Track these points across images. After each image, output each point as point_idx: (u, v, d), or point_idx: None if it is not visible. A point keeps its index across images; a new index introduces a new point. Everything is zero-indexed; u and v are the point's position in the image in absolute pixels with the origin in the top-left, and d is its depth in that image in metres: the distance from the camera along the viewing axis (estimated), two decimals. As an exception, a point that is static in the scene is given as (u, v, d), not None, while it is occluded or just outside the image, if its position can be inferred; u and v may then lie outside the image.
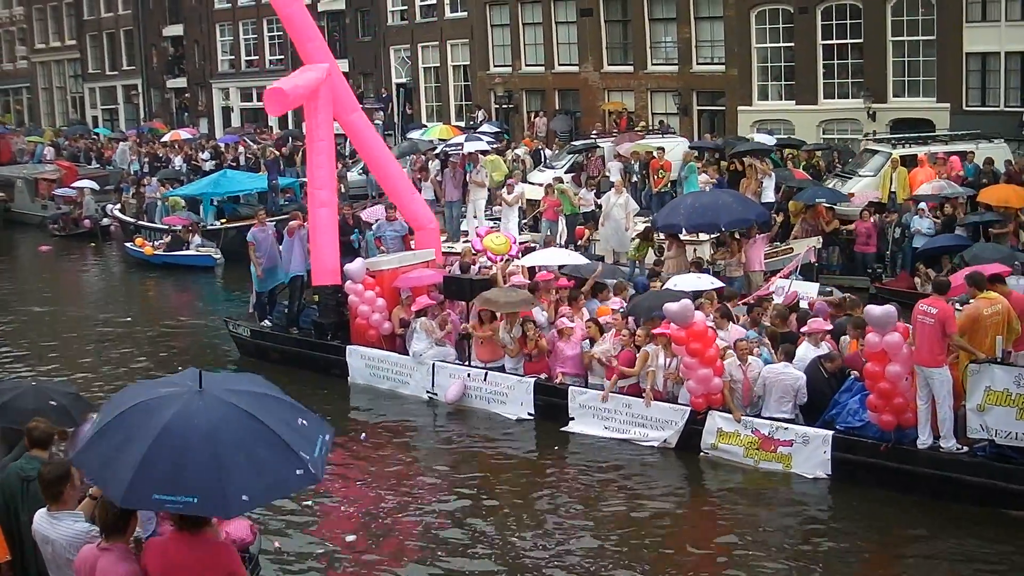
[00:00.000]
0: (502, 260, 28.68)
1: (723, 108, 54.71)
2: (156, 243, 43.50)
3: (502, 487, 20.71)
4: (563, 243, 36.22)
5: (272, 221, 40.88)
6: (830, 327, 21.62)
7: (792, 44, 51.90)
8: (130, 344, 31.69)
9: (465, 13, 63.15)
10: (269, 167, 49.18)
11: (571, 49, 59.77)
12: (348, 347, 26.73)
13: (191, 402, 9.78)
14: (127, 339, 32.35)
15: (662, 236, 31.71)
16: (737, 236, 30.01)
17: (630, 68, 57.61)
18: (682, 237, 30.45)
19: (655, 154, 41.35)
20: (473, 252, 29.56)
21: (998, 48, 46.81)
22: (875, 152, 39.99)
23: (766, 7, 52.50)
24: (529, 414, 23.71)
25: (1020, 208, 33.14)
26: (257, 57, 78.32)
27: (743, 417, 20.62)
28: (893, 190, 36.74)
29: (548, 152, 50.76)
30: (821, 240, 33.16)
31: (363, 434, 23.43)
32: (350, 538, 18.38)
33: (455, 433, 23.85)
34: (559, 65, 60.40)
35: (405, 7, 66.70)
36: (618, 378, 22.20)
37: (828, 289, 27.61)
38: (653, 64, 56.99)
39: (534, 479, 21.03)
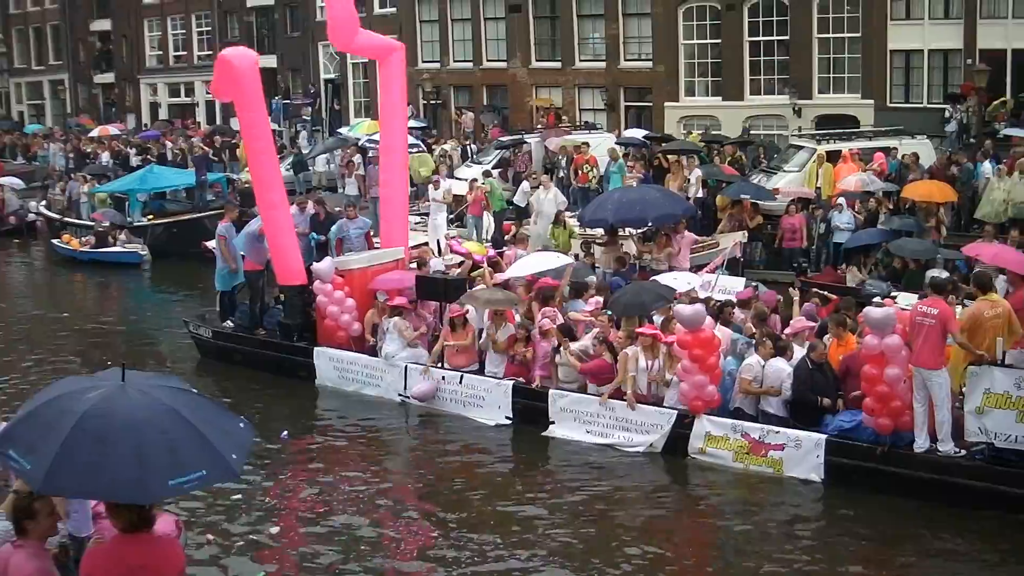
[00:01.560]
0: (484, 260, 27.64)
1: (650, 104, 54.71)
2: (83, 240, 42.82)
3: (478, 494, 19.56)
4: (489, 238, 35.95)
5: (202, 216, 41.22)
6: (813, 325, 21.19)
7: (719, 41, 52.03)
8: (65, 342, 30.74)
9: (394, 9, 62.66)
10: (197, 163, 48.48)
11: (499, 45, 59.52)
12: (316, 349, 25.51)
13: (112, 394, 9.65)
14: (60, 337, 31.36)
15: (589, 230, 31.54)
16: (663, 231, 29.86)
17: (558, 64, 57.48)
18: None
19: (581, 149, 41.15)
20: (451, 252, 28.92)
21: (921, 46, 47.16)
22: (800, 148, 39.89)
23: (693, 4, 52.50)
24: (507, 418, 22.45)
25: (943, 203, 33.24)
26: (186, 53, 77.56)
27: (733, 421, 19.81)
28: (819, 186, 36.72)
29: (474, 147, 50.57)
30: (746, 235, 33.06)
31: (284, 432, 22.22)
32: (274, 530, 17.77)
33: (429, 438, 22.72)
34: (487, 61, 60.13)
35: (333, 2, 66.02)
36: (621, 381, 20.88)
37: (753, 283, 27.40)
38: (581, 60, 56.94)
39: (513, 486, 20.01)
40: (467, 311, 23.65)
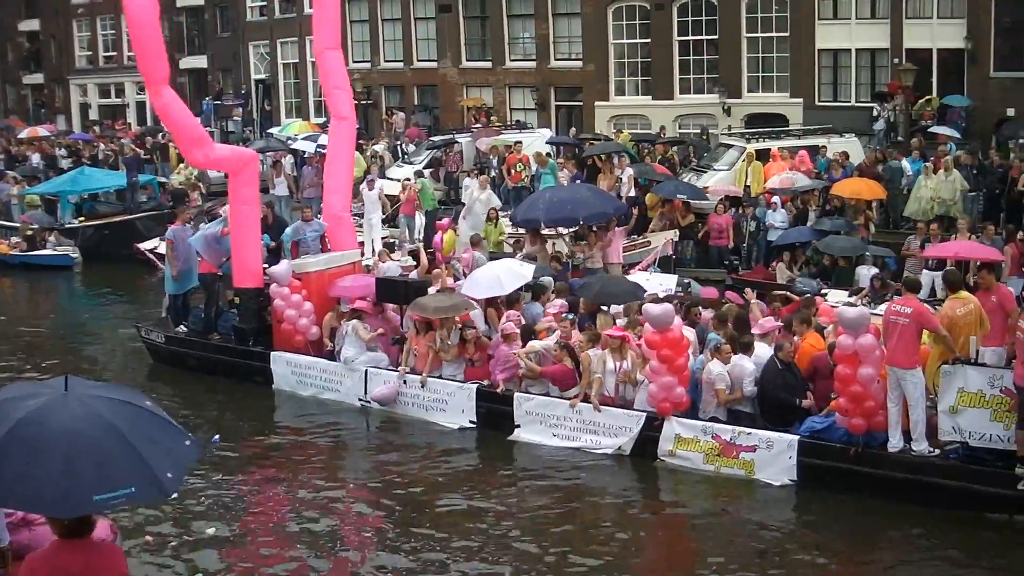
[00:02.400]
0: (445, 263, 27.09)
1: (580, 103, 54.71)
2: (12, 242, 42.25)
3: (442, 501, 18.89)
4: (421, 238, 35.83)
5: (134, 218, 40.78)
6: (780, 324, 20.84)
7: (648, 40, 52.15)
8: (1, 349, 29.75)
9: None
10: (128, 164, 47.92)
11: (430, 45, 59.36)
12: (273, 353, 24.70)
13: (52, 403, 9.37)
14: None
15: (520, 230, 31.40)
16: (595, 230, 29.80)
17: (488, 64, 57.47)
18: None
19: (513, 149, 41.06)
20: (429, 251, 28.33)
21: (849, 45, 47.47)
22: (730, 146, 39.93)
23: (623, 4, 52.55)
24: (471, 422, 21.81)
25: (871, 201, 33.42)
26: (116, 53, 76.67)
27: (703, 423, 19.36)
28: (748, 184, 36.79)
29: (411, 147, 50.36)
30: (678, 233, 33.08)
31: (216, 436, 21.52)
32: (210, 530, 17.31)
33: (390, 443, 21.86)
34: (418, 61, 59.94)
35: (264, 3, 65.50)
36: (589, 384, 20.35)
37: (686, 281, 27.38)
38: (511, 60, 56.89)
39: (478, 492, 19.20)
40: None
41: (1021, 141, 38.59)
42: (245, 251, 25.11)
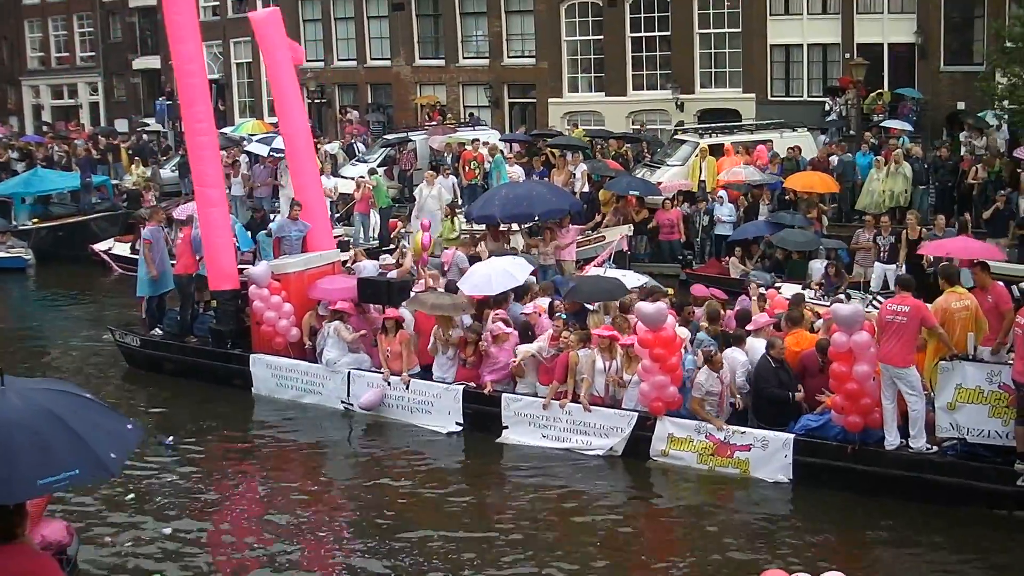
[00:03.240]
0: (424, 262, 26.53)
1: (534, 101, 54.55)
2: (-35, 245, 41.80)
3: (429, 506, 18.45)
4: (376, 236, 35.70)
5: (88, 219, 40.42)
6: (775, 320, 20.50)
7: (601, 37, 52.01)
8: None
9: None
10: (82, 165, 47.53)
11: (383, 43, 58.93)
12: (252, 356, 24.12)
13: None
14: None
15: (476, 226, 31.30)
16: (550, 226, 29.77)
17: (442, 62, 57.14)
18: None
19: (468, 146, 40.93)
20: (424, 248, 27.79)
21: (801, 40, 47.54)
22: (683, 142, 39.89)
23: (575, 1, 52.33)
24: (458, 424, 21.33)
25: (824, 194, 33.48)
26: (68, 54, 76.11)
27: (696, 422, 19.00)
28: (703, 179, 36.81)
29: (362, 146, 50.12)
30: (632, 228, 33.06)
31: (169, 437, 21.00)
32: (166, 530, 16.99)
33: (375, 447, 21.33)
34: (371, 59, 59.47)
35: (216, 2, 64.80)
36: (557, 384, 20.16)
37: (643, 276, 27.35)
38: (464, 58, 56.56)
39: (466, 495, 18.85)
40: (400, 315, 22.39)
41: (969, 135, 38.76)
42: (218, 251, 24.57)
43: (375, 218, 36.69)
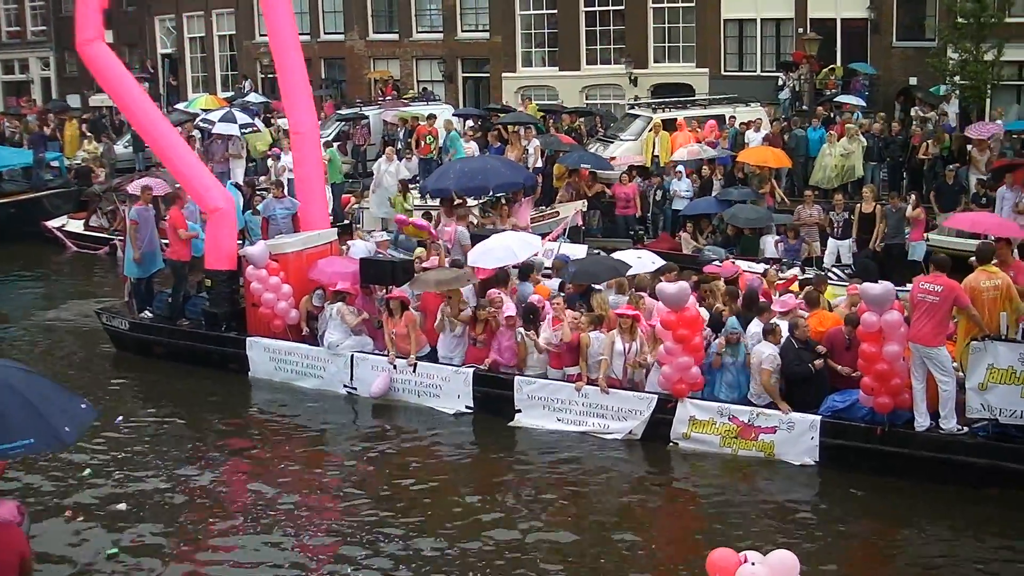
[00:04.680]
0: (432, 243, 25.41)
1: (487, 75, 54.26)
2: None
3: (440, 492, 17.73)
4: (330, 211, 35.59)
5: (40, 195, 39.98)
6: (802, 302, 19.94)
7: (555, 11, 51.77)
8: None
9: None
10: (34, 142, 47.06)
11: (336, 17, 58.26)
12: (249, 339, 23.23)
13: None
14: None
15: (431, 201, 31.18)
16: (504, 200, 29.76)
17: (395, 36, 56.70)
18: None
19: (421, 121, 40.77)
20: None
21: (754, 15, 47.50)
22: (636, 116, 39.74)
23: (529, -26, 52.35)
24: (468, 407, 20.63)
25: (777, 169, 33.54)
26: (19, 28, 75.27)
27: (719, 404, 18.67)
28: (656, 154, 36.80)
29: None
30: (586, 203, 33.03)
31: (119, 417, 20.31)
32: (120, 506, 16.71)
33: (380, 432, 20.42)
34: (324, 34, 58.83)
35: (169, -24, 64.77)
36: (588, 367, 19.49)
37: (595, 251, 27.28)
38: (418, 32, 56.17)
39: (479, 481, 18.17)
40: (405, 294, 21.57)
41: (920, 110, 38.88)
42: (219, 232, 23.78)
43: (328, 193, 36.51)
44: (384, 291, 22.35)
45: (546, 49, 52.63)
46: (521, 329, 20.26)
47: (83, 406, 10.54)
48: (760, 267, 25.53)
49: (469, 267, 22.17)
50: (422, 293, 21.89)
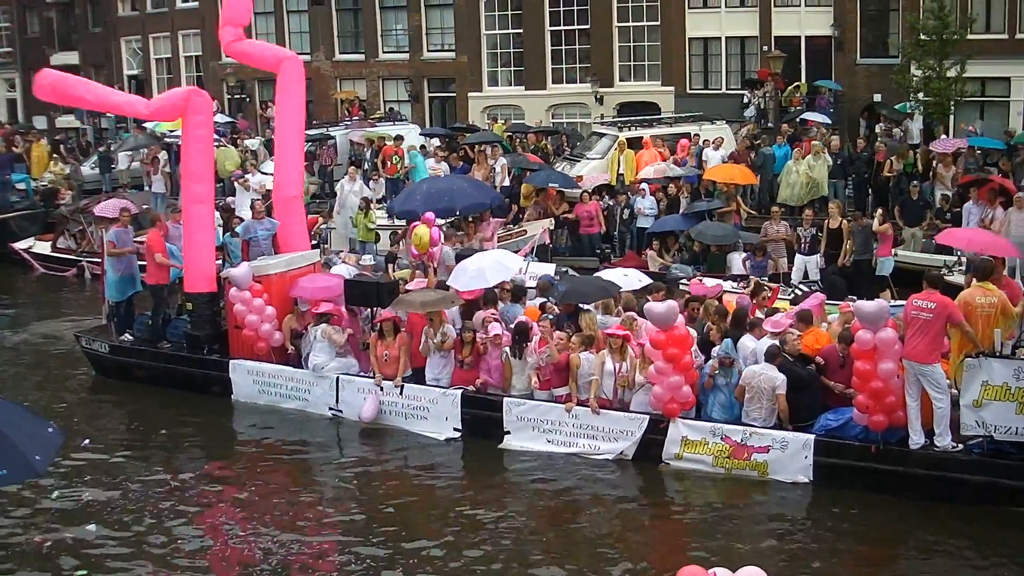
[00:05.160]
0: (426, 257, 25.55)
1: (454, 95, 54.23)
2: None
3: (429, 518, 17.49)
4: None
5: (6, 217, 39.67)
6: (792, 321, 19.49)
7: (520, 31, 51.83)
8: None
9: (196, 3, 60.50)
10: (1, 163, 46.87)
11: (303, 38, 57.85)
12: (231, 361, 22.87)
13: None
14: None
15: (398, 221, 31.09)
16: (471, 220, 29.70)
17: (361, 56, 56.60)
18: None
19: (388, 142, 40.69)
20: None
21: (719, 33, 47.73)
22: (602, 135, 39.77)
23: (494, -6, 52.40)
24: (456, 430, 20.28)
25: (743, 186, 33.58)
26: (-15, 48, 75.19)
27: (712, 423, 18.45)
28: (621, 172, 36.81)
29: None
30: (553, 222, 33.00)
31: (86, 439, 20.11)
32: (90, 527, 16.33)
33: (367, 456, 20.15)
34: (291, 54, 59.15)
35: (136, -3, 64.55)
36: (574, 388, 19.32)
37: (564, 269, 27.24)
38: (384, 52, 56.03)
39: (468, 505, 17.75)
40: (396, 316, 21.21)
41: (885, 126, 39.03)
42: (200, 250, 23.33)
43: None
44: (368, 312, 22.13)
45: (512, 68, 52.54)
46: (507, 349, 19.91)
47: (50, 430, 10.45)
48: (729, 283, 25.41)
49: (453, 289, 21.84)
50: (407, 315, 21.51)
